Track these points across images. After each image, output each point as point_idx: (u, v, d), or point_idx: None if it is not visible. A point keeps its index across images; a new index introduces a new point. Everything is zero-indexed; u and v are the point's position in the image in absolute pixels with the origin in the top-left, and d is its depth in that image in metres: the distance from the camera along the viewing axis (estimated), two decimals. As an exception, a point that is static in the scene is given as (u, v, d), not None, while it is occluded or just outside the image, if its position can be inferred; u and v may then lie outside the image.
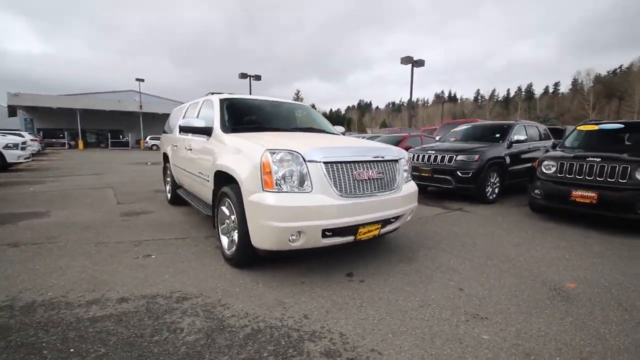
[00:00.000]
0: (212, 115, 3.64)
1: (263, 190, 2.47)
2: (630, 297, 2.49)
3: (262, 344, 1.86)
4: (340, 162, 2.66)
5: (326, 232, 2.56)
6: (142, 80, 32.98)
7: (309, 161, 2.54)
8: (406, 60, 17.92)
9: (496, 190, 6.22)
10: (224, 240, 3.12)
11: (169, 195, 5.74)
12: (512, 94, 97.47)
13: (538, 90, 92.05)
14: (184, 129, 3.54)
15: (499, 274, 2.89)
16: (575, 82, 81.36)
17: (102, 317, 2.10)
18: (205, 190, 3.55)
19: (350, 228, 2.64)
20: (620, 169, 4.06)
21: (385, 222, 2.92)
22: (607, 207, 4.10)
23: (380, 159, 2.90)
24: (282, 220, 2.40)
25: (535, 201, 4.93)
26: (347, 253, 3.27)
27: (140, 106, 35.43)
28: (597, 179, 4.21)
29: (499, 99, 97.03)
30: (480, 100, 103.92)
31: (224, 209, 3.07)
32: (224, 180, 3.13)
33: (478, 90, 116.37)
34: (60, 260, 3.06)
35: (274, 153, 2.50)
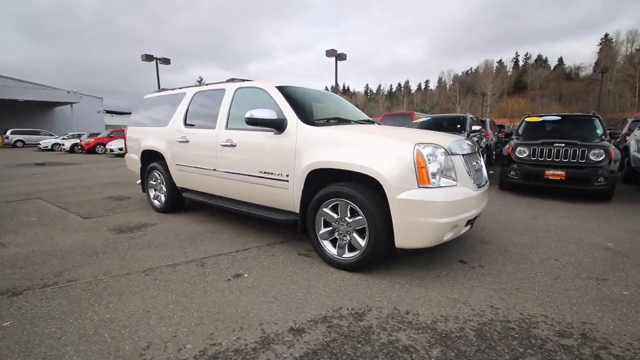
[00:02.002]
0: (275, 106, 3.15)
1: (418, 186, 2.35)
2: (653, 247, 3.33)
3: (501, 341, 1.83)
4: (468, 154, 2.74)
5: (461, 223, 2.61)
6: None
7: (453, 154, 2.53)
8: (331, 53, 18.45)
9: (464, 174, 7.17)
10: (329, 246, 2.83)
11: (156, 202, 4.72)
12: (394, 89, 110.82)
13: (413, 87, 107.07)
14: (252, 122, 2.98)
15: (560, 243, 3.44)
16: (440, 80, 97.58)
17: (307, 356, 1.70)
18: (278, 192, 3.10)
19: (473, 218, 2.75)
20: (580, 151, 5.25)
21: None
22: (573, 181, 5.26)
23: (476, 151, 3.08)
24: (445, 216, 2.34)
25: (510, 181, 5.91)
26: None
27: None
28: (563, 160, 5.35)
29: (384, 93, 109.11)
30: (369, 94, 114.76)
31: (328, 211, 2.77)
32: (319, 179, 2.83)
33: (367, 84, 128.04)
34: (125, 301, 2.27)
35: (424, 147, 2.40)
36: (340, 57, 18.78)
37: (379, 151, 2.51)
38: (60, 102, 32.70)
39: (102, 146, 17.86)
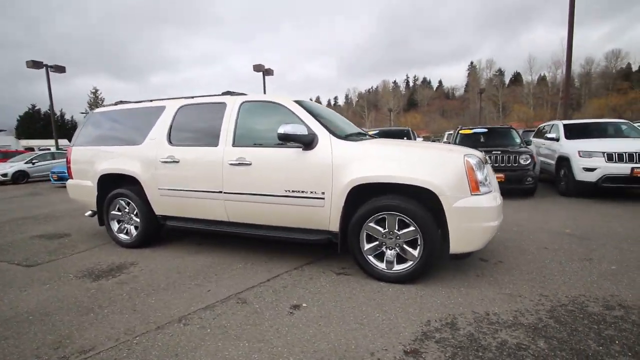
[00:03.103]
0: (300, 122, 3.01)
1: (471, 194, 2.53)
2: (594, 231, 4.21)
3: (576, 322, 2.09)
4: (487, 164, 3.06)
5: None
6: None
7: (486, 164, 2.81)
8: (257, 68, 18.25)
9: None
10: (375, 261, 2.80)
11: (122, 235, 3.94)
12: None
13: (324, 102, 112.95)
14: (285, 138, 2.79)
15: (535, 234, 4.07)
16: (347, 97, 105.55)
17: (447, 375, 1.66)
18: (311, 211, 2.94)
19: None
20: (512, 157, 6.34)
21: None
22: (510, 182, 6.30)
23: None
24: (495, 219, 2.58)
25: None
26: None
27: None
28: (501, 164, 6.38)
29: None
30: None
31: (374, 225, 2.76)
32: (355, 195, 2.80)
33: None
34: (190, 349, 1.84)
35: (470, 157, 2.61)
36: (268, 72, 18.78)
37: (430, 163, 2.63)
38: None
39: (-31, 173, 13.84)
